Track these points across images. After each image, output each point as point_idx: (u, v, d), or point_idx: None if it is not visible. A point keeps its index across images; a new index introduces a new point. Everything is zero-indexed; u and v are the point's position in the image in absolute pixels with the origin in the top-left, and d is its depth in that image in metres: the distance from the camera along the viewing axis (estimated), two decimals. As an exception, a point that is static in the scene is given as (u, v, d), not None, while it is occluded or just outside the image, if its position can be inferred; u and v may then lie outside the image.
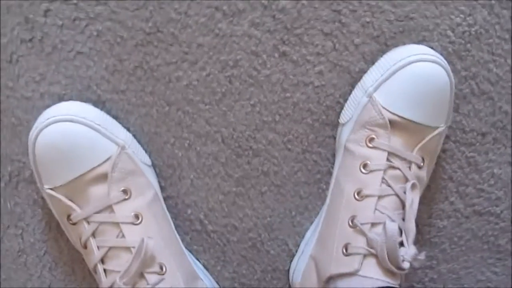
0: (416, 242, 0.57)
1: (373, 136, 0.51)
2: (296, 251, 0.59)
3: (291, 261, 0.59)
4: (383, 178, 0.50)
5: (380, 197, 0.50)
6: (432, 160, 0.54)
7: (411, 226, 0.49)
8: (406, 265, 0.48)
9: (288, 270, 0.59)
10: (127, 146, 0.51)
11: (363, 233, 0.49)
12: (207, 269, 0.59)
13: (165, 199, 0.56)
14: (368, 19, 0.53)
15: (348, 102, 0.54)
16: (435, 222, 0.60)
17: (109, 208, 0.49)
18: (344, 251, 0.50)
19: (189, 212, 0.57)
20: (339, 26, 0.53)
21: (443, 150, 0.58)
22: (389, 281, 0.49)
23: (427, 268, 0.61)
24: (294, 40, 0.54)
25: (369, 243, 0.49)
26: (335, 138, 0.56)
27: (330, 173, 0.57)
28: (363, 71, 0.54)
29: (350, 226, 0.50)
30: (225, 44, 0.53)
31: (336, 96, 0.55)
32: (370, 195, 0.50)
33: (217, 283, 0.59)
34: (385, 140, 0.51)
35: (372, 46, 0.54)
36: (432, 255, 0.61)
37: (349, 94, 0.55)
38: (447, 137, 0.57)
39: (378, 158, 0.51)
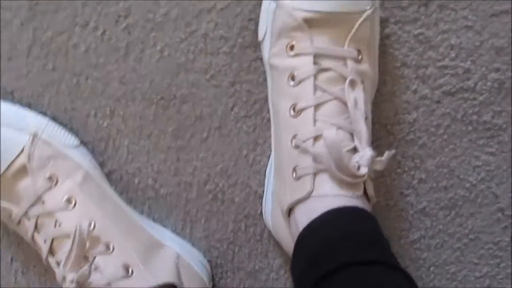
0: (391, 145, 0.53)
1: (293, 42, 0.47)
2: (263, 192, 0.55)
3: (261, 203, 0.56)
4: (315, 85, 0.47)
5: (317, 106, 0.47)
6: (372, 49, 0.49)
7: (360, 127, 0.46)
8: (363, 170, 0.45)
9: (262, 213, 0.56)
10: (41, 131, 0.49)
11: (306, 151, 0.45)
12: (177, 234, 0.56)
13: (108, 174, 0.55)
14: None
15: (260, 15, 0.50)
16: (403, 117, 0.55)
17: (39, 199, 0.48)
18: (294, 175, 0.47)
19: (136, 181, 0.55)
20: None
21: (386, 36, 0.52)
22: (347, 193, 0.45)
23: (412, 170, 0.56)
24: (180, -34, 0.50)
25: (316, 159, 0.45)
26: (262, 59, 0.52)
27: (265, 98, 0.53)
28: (267, -23, 0.49)
29: (294, 147, 0.47)
30: None
31: (245, 13, 0.52)
32: (305, 108, 0.47)
33: (192, 245, 0.56)
34: (306, 42, 0.47)
35: None
36: (412, 154, 0.56)
37: (260, 6, 0.50)
38: (385, 20, 0.52)
39: (304, 65, 0.47)
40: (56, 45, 0.52)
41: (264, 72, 0.53)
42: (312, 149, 0.46)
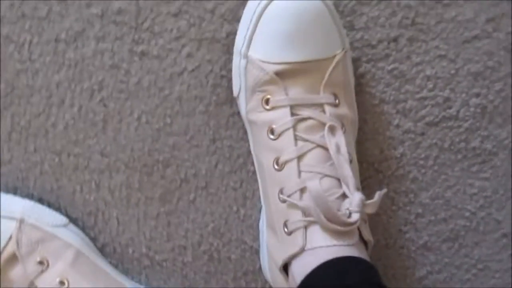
0: (381, 183, 0.53)
1: (268, 96, 0.47)
2: (259, 246, 0.55)
3: (259, 258, 0.55)
4: (295, 136, 0.47)
5: (300, 157, 0.47)
6: (348, 91, 0.49)
7: (345, 172, 0.45)
8: (354, 217, 0.44)
9: (260, 268, 0.55)
10: (27, 216, 0.50)
11: (294, 205, 0.45)
12: (178, 299, 0.56)
13: (101, 248, 0.55)
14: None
15: (232, 71, 0.50)
16: (390, 153, 0.54)
17: (32, 284, 0.48)
18: (285, 230, 0.46)
19: (130, 251, 0.54)
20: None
21: (361, 75, 0.52)
22: (342, 242, 0.44)
23: (407, 205, 0.55)
24: (146, 35, 0.51)
25: (305, 212, 0.45)
26: (239, 113, 0.52)
27: (247, 151, 0.53)
28: (233, 33, 0.50)
29: (282, 201, 0.47)
30: (82, 71, 0.51)
31: (216, 71, 0.52)
32: (288, 160, 0.47)
33: (194, 309, 0.56)
34: (280, 95, 0.47)
35: (228, 4, 0.50)
36: (404, 189, 0.55)
37: (230, 62, 0.51)
38: (357, 59, 0.52)
39: (281, 117, 0.47)
40: (35, 127, 0.53)
41: (243, 125, 0.53)
42: (300, 203, 0.45)
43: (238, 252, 0.56)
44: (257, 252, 0.56)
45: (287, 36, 0.46)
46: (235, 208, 0.55)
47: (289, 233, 0.46)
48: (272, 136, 0.47)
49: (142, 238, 0.55)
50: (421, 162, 0.55)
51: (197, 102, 0.53)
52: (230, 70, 0.52)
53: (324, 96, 0.47)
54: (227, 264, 0.56)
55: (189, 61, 0.52)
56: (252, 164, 0.54)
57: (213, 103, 0.53)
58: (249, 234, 0.56)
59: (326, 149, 0.46)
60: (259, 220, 0.55)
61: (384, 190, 0.46)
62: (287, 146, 0.47)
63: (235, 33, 0.50)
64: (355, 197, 0.44)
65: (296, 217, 0.45)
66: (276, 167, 0.47)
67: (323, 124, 0.46)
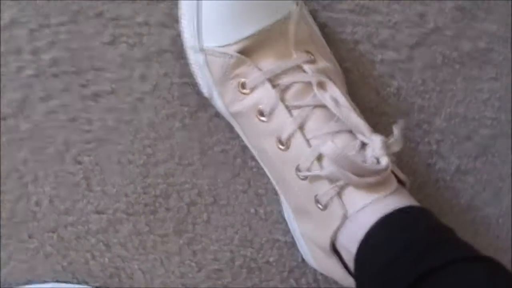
0: (388, 127, 0.48)
1: (242, 79, 0.44)
2: (292, 237, 0.51)
3: (298, 250, 0.52)
4: (287, 107, 0.43)
5: (301, 126, 0.43)
6: (320, 45, 0.47)
7: (354, 120, 0.43)
8: (383, 161, 0.41)
9: (303, 259, 0.52)
10: None
11: (317, 176, 0.42)
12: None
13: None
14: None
15: (194, 73, 0.47)
16: (386, 92, 0.51)
17: None
18: (319, 206, 0.43)
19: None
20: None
21: (324, 25, 0.49)
22: (383, 193, 0.41)
23: (424, 136, 0.53)
24: (91, 75, 0.48)
25: (331, 179, 0.42)
26: (217, 114, 0.49)
27: (242, 148, 0.49)
28: (177, 35, 0.47)
29: (303, 179, 0.44)
30: (42, 137, 0.49)
31: (176, 81, 0.49)
32: (290, 134, 0.43)
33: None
34: (254, 73, 0.44)
35: (159, 10, 0.47)
36: (415, 122, 0.53)
37: (187, 65, 0.47)
38: (314, 11, 0.48)
39: (264, 95, 0.44)
40: (20, 214, 0.50)
41: (227, 124, 0.50)
42: (322, 172, 0.42)
43: (274, 252, 0.53)
44: (293, 245, 0.52)
45: (235, 13, 0.43)
46: (253, 210, 0.52)
47: (324, 208, 0.43)
48: (263, 118, 0.44)
49: (173, 278, 0.52)
50: (421, 88, 0.51)
51: (171, 120, 0.50)
52: (190, 75, 0.48)
53: (298, 57, 0.44)
54: (269, 269, 0.53)
55: (145, 82, 0.49)
56: (252, 159, 0.51)
57: (187, 114, 0.50)
58: (277, 230, 0.52)
59: (324, 106, 0.43)
60: (281, 212, 0.52)
61: (401, 122, 0.43)
62: (283, 122, 0.43)
63: (179, 35, 0.47)
64: (375, 140, 0.41)
65: (324, 188, 0.42)
66: (281, 147, 0.44)
67: (310, 84, 0.43)
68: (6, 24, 0.46)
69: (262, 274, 0.53)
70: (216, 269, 0.52)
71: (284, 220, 0.52)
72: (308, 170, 0.43)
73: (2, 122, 0.48)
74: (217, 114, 0.50)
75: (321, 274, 0.52)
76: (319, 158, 0.42)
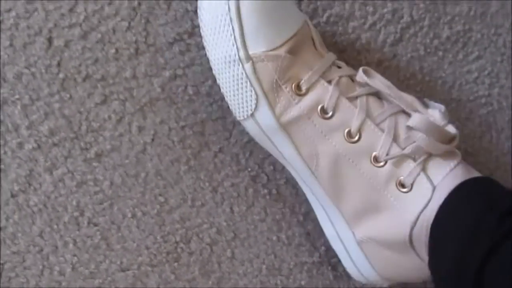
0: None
1: (296, 81, 0.44)
2: (335, 252, 0.51)
3: (337, 264, 0.51)
4: (349, 98, 0.44)
5: (368, 114, 0.44)
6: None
7: (406, 99, 0.44)
8: (451, 129, 0.43)
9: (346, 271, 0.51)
10: None
11: (401, 157, 0.43)
12: None
13: None
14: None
15: (234, 92, 0.45)
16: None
17: None
18: (403, 189, 0.43)
19: None
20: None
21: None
22: (457, 160, 0.43)
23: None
24: (90, 137, 0.49)
25: (415, 155, 0.43)
26: (221, 151, 0.49)
27: (252, 177, 0.49)
28: (166, 83, 0.48)
29: (382, 166, 0.44)
30: (54, 207, 0.50)
31: (174, 126, 0.50)
32: (361, 125, 0.44)
33: None
34: (306, 71, 0.44)
35: (144, 61, 0.48)
36: None
37: (181, 110, 0.48)
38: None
39: (323, 91, 0.44)
40: (45, 285, 0.49)
41: (232, 159, 0.50)
42: (407, 150, 0.43)
43: (304, 275, 0.53)
44: (321, 263, 0.53)
45: (274, 16, 0.44)
46: (274, 238, 0.52)
47: (409, 188, 0.43)
48: (327, 115, 0.44)
49: (210, 321, 0.52)
50: (411, 81, 0.53)
51: (176, 165, 0.50)
52: (186, 118, 0.49)
53: (331, 54, 0.46)
54: (319, 280, 0.52)
55: (144, 134, 0.50)
56: (263, 187, 0.51)
57: (191, 156, 0.50)
58: (303, 252, 0.52)
59: (373, 93, 0.45)
60: (305, 235, 0.52)
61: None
62: (350, 114, 0.44)
63: (169, 83, 0.49)
64: (436, 111, 0.43)
65: (409, 166, 0.43)
66: (351, 139, 0.44)
67: (352, 76, 0.45)
68: (-1, 105, 0.48)
69: (298, 299, 0.53)
70: (251, 303, 0.52)
71: (308, 241, 0.52)
72: (387, 154, 0.43)
73: (13, 200, 0.48)
74: (221, 150, 0.51)
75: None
76: (396, 137, 0.43)
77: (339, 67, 0.45)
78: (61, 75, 0.48)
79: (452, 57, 0.53)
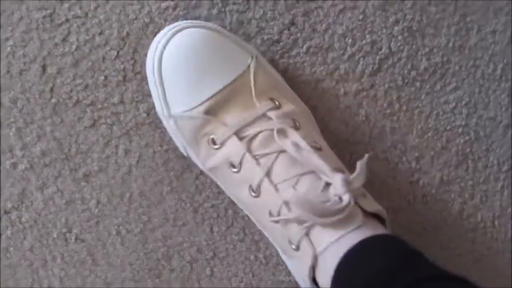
0: (366, 151, 0.52)
1: (211, 136, 0.48)
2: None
3: None
4: (254, 156, 0.47)
5: (268, 173, 0.47)
6: (283, 90, 0.51)
7: (315, 162, 0.45)
8: (345, 199, 0.44)
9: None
10: None
11: (287, 220, 0.46)
12: None
13: None
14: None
15: (171, 136, 0.52)
16: (355, 120, 0.54)
17: None
18: (293, 246, 0.47)
19: None
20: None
21: (285, 71, 0.53)
22: (348, 229, 0.44)
23: (401, 156, 0.54)
24: (79, 158, 0.53)
25: (299, 222, 0.45)
26: (202, 171, 0.52)
27: (231, 200, 0.53)
28: (151, 107, 0.52)
29: (275, 223, 0.47)
30: (44, 224, 0.54)
31: (158, 149, 0.53)
32: (259, 182, 0.47)
33: None
34: (221, 129, 0.48)
35: (131, 87, 0.51)
36: (389, 144, 0.55)
37: (165, 133, 0.51)
38: (272, 60, 0.53)
39: (233, 147, 0.48)
40: (35, 298, 0.53)
41: (212, 180, 0.53)
42: (289, 215, 0.45)
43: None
44: (297, 282, 0.55)
45: (194, 76, 0.48)
46: (252, 257, 0.55)
47: (297, 248, 0.46)
48: (234, 170, 0.48)
49: (189, 335, 0.55)
50: (388, 111, 0.55)
51: (160, 186, 0.54)
52: (169, 142, 0.53)
53: (262, 106, 0.48)
54: (279, 310, 0.55)
55: (130, 156, 0.53)
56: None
57: (174, 178, 0.54)
58: (280, 271, 0.55)
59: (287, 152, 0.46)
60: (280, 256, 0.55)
61: (365, 157, 0.45)
62: (251, 171, 0.47)
63: (154, 108, 0.51)
64: (336, 179, 0.44)
65: (294, 230, 0.45)
66: (253, 194, 0.48)
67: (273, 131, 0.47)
68: (-5, 128, 0.52)
69: (274, 317, 0.55)
70: (228, 320, 0.55)
71: (285, 261, 0.55)
72: (278, 214, 0.46)
73: (6, 216, 0.52)
74: (202, 173, 0.54)
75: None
76: (287, 202, 0.46)
77: (270, 119, 0.47)
78: (53, 100, 0.52)
79: (429, 87, 0.55)
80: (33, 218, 0.53)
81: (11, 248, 0.53)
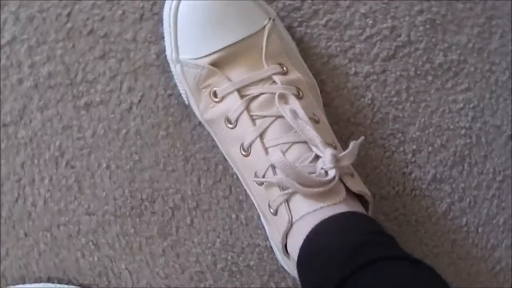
0: (364, 134, 0.53)
1: (214, 88, 0.49)
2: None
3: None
4: (251, 116, 0.47)
5: (261, 134, 0.47)
6: (294, 57, 0.52)
7: (309, 134, 0.46)
8: (331, 173, 0.44)
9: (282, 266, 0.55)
10: None
11: (270, 183, 0.46)
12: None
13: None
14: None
15: (176, 81, 0.53)
16: (360, 102, 0.55)
17: None
18: (271, 210, 0.47)
19: None
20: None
21: (300, 40, 0.54)
22: (328, 203, 0.44)
23: (399, 146, 0.55)
24: (83, 87, 0.54)
25: (281, 186, 0.45)
26: (200, 123, 0.53)
27: (223, 155, 0.54)
28: (162, 51, 0.52)
29: (259, 184, 0.48)
30: (39, 144, 0.56)
31: (161, 93, 0.54)
32: (251, 142, 0.48)
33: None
34: (224, 83, 0.48)
35: (146, 27, 0.52)
36: (389, 132, 0.55)
37: (171, 79, 0.52)
38: (290, 27, 0.53)
39: (233, 103, 0.48)
40: (17, 213, 0.55)
41: (208, 133, 0.54)
42: (273, 179, 0.46)
43: (255, 257, 0.56)
44: (273, 249, 0.56)
45: (208, 27, 0.48)
46: (234, 216, 0.56)
47: (275, 213, 0.47)
48: (230, 125, 0.48)
49: (158, 278, 0.56)
50: (395, 99, 0.55)
51: (156, 129, 0.54)
52: (174, 87, 0.53)
53: (269, 69, 0.48)
54: (250, 272, 0.56)
55: (132, 94, 0.54)
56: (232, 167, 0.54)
57: (171, 124, 0.54)
58: (258, 235, 0.56)
59: (285, 118, 0.46)
60: (260, 219, 0.55)
61: (361, 139, 0.45)
62: (246, 129, 0.48)
63: (164, 50, 0.52)
64: (326, 153, 0.44)
65: (275, 194, 0.46)
66: (243, 153, 0.48)
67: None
68: (7, 41, 0.52)
69: (243, 278, 0.56)
70: (199, 271, 0.56)
71: (264, 226, 0.55)
72: (263, 176, 0.47)
73: (3, 129, 0.54)
74: (200, 124, 0.54)
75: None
76: (273, 166, 0.46)
77: (275, 83, 0.48)
78: (68, 25, 0.53)
79: (440, 84, 0.54)
80: (28, 136, 0.54)
81: (2, 161, 0.54)
